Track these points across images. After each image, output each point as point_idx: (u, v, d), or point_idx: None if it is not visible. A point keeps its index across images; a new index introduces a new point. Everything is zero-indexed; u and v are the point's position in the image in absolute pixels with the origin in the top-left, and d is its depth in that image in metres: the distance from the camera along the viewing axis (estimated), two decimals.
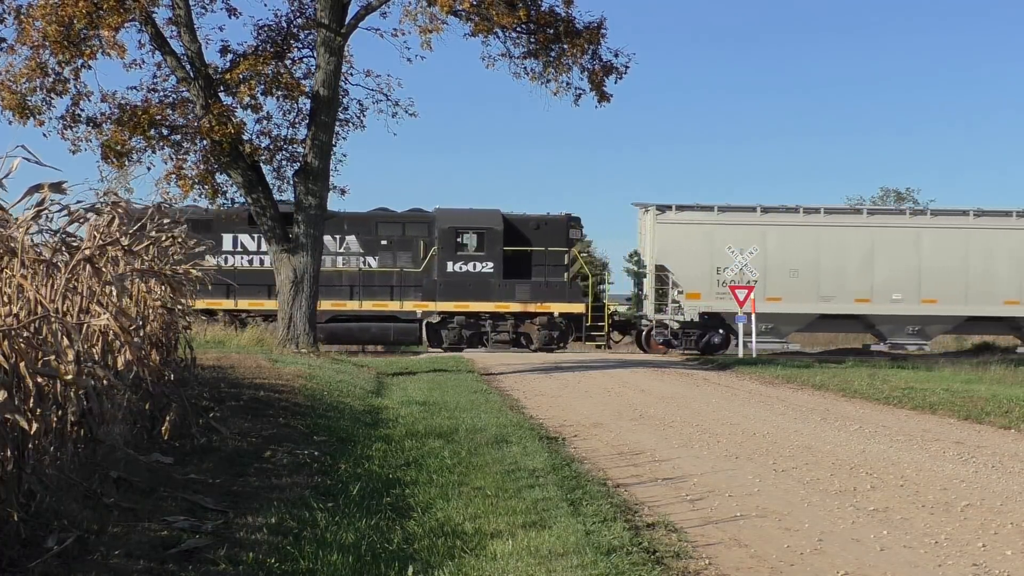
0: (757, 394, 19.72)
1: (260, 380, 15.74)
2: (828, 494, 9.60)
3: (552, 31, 23.30)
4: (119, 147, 22.47)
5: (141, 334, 9.29)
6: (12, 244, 6.85)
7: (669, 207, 35.66)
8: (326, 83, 24.05)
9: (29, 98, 21.77)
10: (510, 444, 11.69)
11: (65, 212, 7.86)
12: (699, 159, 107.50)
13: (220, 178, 24.06)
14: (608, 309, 36.19)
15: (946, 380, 21.81)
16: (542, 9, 23.32)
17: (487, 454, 11.00)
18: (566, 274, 35.04)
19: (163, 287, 10.63)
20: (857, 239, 35.60)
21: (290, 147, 25.04)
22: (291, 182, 24.88)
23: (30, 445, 6.36)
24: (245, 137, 23.53)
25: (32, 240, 7.46)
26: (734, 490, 9.72)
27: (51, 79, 21.85)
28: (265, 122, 24.65)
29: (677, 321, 35.49)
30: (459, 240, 34.27)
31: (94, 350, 7.98)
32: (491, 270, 34.05)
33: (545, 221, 35.19)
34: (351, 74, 25.73)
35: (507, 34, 23.58)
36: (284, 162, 25.12)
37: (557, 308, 34.79)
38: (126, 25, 21.95)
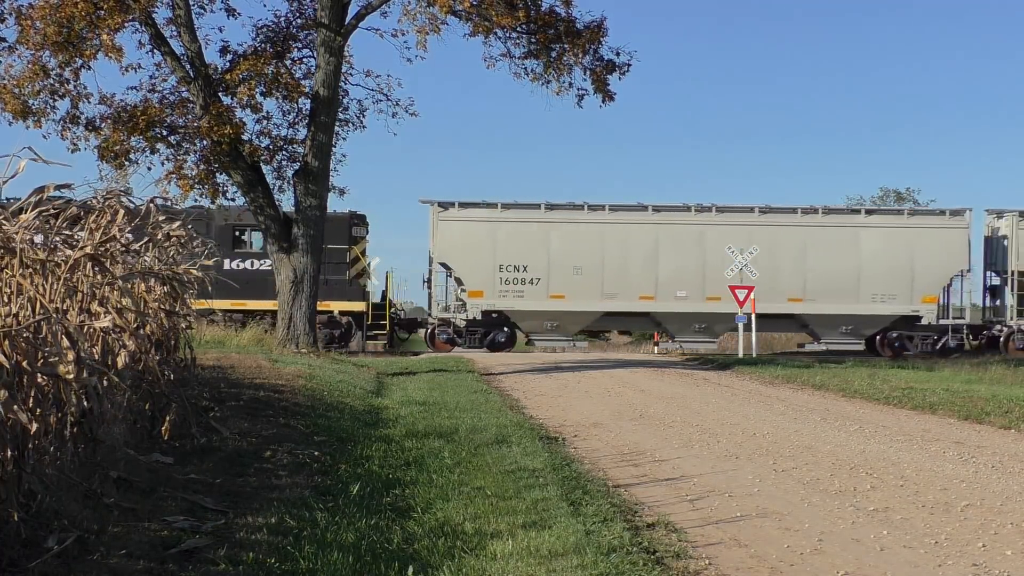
0: (757, 394, 19.72)
1: (260, 380, 15.74)
2: (828, 494, 9.60)
3: (552, 31, 23.29)
4: (117, 147, 22.47)
5: (141, 334, 9.29)
6: (11, 244, 6.85)
7: (452, 204, 35.66)
8: (326, 83, 24.04)
9: (31, 101, 21.79)
10: (510, 444, 11.68)
11: (64, 210, 7.85)
12: (696, 159, 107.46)
13: (220, 178, 24.06)
14: (390, 308, 36.25)
15: (946, 380, 21.82)
16: (542, 9, 23.30)
17: (487, 454, 11.00)
18: (348, 272, 34.91)
19: (163, 287, 10.62)
20: (641, 235, 35.67)
21: (290, 147, 25.05)
22: (291, 182, 24.89)
23: (30, 445, 6.36)
24: (245, 137, 23.53)
25: (32, 240, 7.45)
26: (734, 490, 9.71)
27: (52, 80, 21.87)
28: (265, 122, 24.67)
29: (462, 319, 35.68)
30: (238, 236, 34.07)
31: (94, 350, 7.97)
32: (270, 267, 33.71)
33: (327, 219, 35.27)
34: (351, 74, 25.76)
35: (507, 34, 23.58)
36: (284, 162, 25.13)
37: (337, 306, 34.66)
38: (126, 25, 21.95)
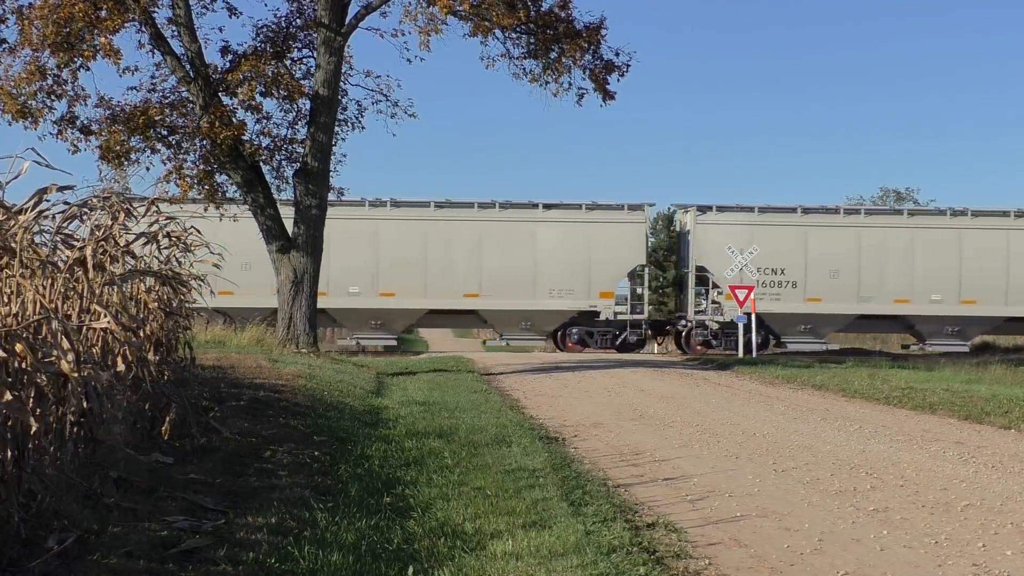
0: (757, 394, 19.72)
1: (260, 380, 15.73)
2: (828, 494, 9.60)
3: (552, 32, 23.29)
4: (118, 147, 22.47)
5: (141, 334, 9.28)
6: (12, 244, 6.85)
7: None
8: (326, 83, 24.04)
9: (30, 102, 21.79)
10: (510, 444, 11.68)
11: (63, 210, 7.86)
12: (693, 159, 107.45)
13: (220, 178, 24.07)
14: None
15: (946, 380, 21.82)
16: (542, 10, 23.31)
17: (487, 454, 11.00)
18: None
19: (163, 287, 10.62)
20: (467, 234, 36.19)
21: (290, 147, 25.05)
22: (291, 182, 24.88)
23: (30, 445, 6.36)
24: (245, 137, 23.53)
25: (33, 240, 7.45)
26: (734, 490, 9.71)
27: (50, 81, 21.87)
28: (265, 122, 24.67)
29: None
30: None
31: (94, 350, 7.97)
32: None
33: None
34: (351, 74, 25.78)
35: (507, 35, 23.57)
36: (284, 162, 25.14)
37: None
38: (126, 25, 21.95)
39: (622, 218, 36.75)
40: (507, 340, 37.14)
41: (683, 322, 37.65)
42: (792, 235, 36.80)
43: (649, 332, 38.31)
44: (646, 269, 37.43)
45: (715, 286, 36.85)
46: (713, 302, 37.05)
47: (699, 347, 36.67)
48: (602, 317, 36.62)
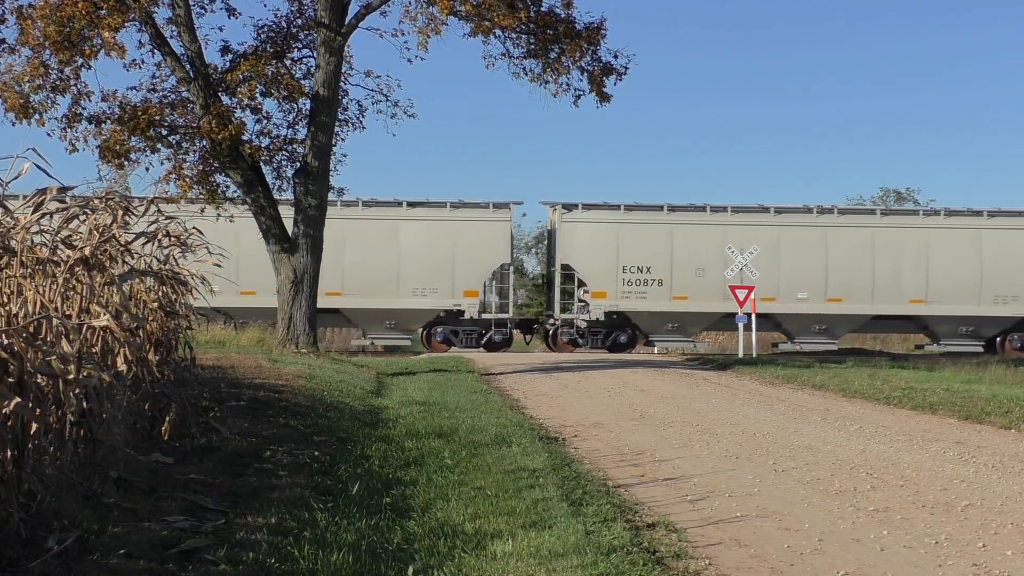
0: (757, 394, 19.72)
1: (260, 380, 15.74)
2: (828, 494, 9.60)
3: (552, 32, 23.29)
4: (118, 147, 22.47)
5: (141, 334, 9.28)
6: (11, 243, 6.85)
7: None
8: (326, 83, 24.05)
9: (32, 97, 21.80)
10: (510, 444, 11.68)
11: (63, 209, 7.86)
12: (693, 159, 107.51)
13: (219, 178, 24.07)
14: None
15: (946, 380, 21.82)
16: (542, 10, 23.31)
17: (487, 454, 11.00)
18: None
19: (163, 286, 10.62)
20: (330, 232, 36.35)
21: (290, 147, 25.05)
22: (291, 182, 24.89)
23: (30, 445, 6.36)
24: (245, 137, 23.53)
25: (32, 240, 7.46)
26: (734, 490, 9.71)
27: (53, 77, 21.88)
28: (265, 122, 24.67)
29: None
30: None
31: (94, 350, 7.97)
32: None
33: None
34: (351, 74, 25.78)
35: (507, 35, 23.57)
36: (284, 162, 25.14)
37: None
38: (126, 25, 21.96)
39: (487, 216, 36.69)
40: (372, 339, 36.92)
41: (551, 320, 37.53)
42: (658, 233, 36.62)
43: (515, 331, 38.23)
44: (511, 268, 37.41)
45: (581, 284, 36.75)
46: (580, 300, 36.95)
47: (567, 346, 36.59)
48: (467, 316, 36.51)
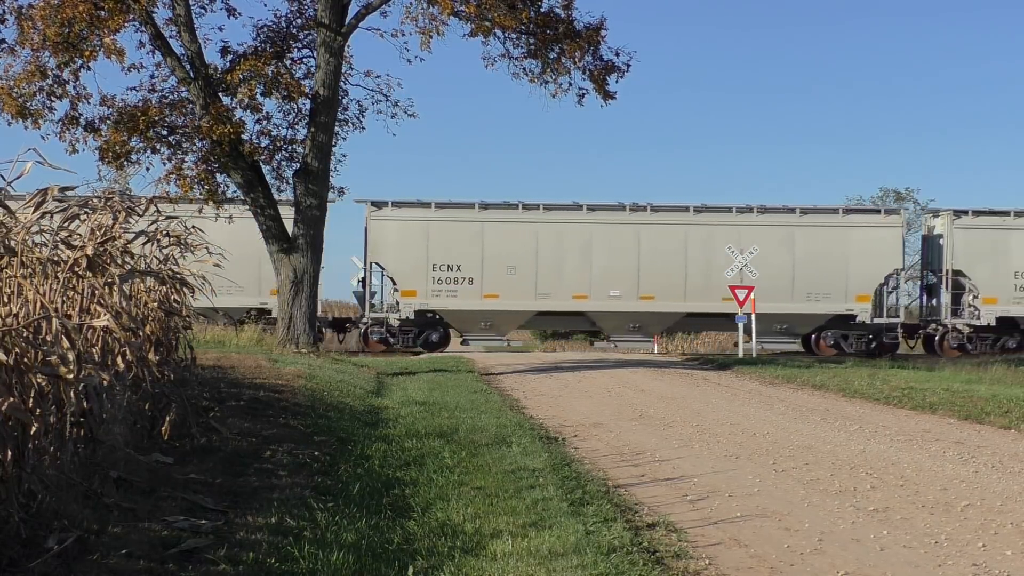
0: (757, 394, 19.72)
1: (260, 380, 15.74)
2: (828, 494, 9.60)
3: (552, 32, 23.29)
4: (118, 148, 22.47)
5: (141, 334, 9.28)
6: (12, 243, 6.85)
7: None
8: (326, 83, 24.04)
9: (29, 102, 21.79)
10: (510, 444, 11.68)
11: (63, 208, 7.86)
12: (691, 160, 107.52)
13: (219, 178, 24.04)
14: None
15: (946, 380, 21.81)
16: (542, 10, 23.30)
17: (487, 454, 11.00)
18: None
19: (163, 286, 10.62)
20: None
21: (290, 147, 25.03)
22: (291, 182, 24.88)
23: (30, 445, 6.36)
24: (245, 137, 23.51)
25: (33, 240, 7.46)
26: (734, 490, 9.71)
27: (50, 81, 21.87)
28: (265, 122, 24.64)
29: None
30: None
31: (94, 350, 7.97)
32: None
33: None
34: (351, 74, 25.76)
35: (507, 35, 23.56)
36: (284, 162, 25.12)
37: None
38: (125, 25, 21.95)
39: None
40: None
41: (363, 320, 37.35)
42: (468, 231, 36.30)
43: (327, 331, 37.85)
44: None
45: (393, 282, 36.63)
46: (392, 298, 36.82)
47: (378, 345, 36.43)
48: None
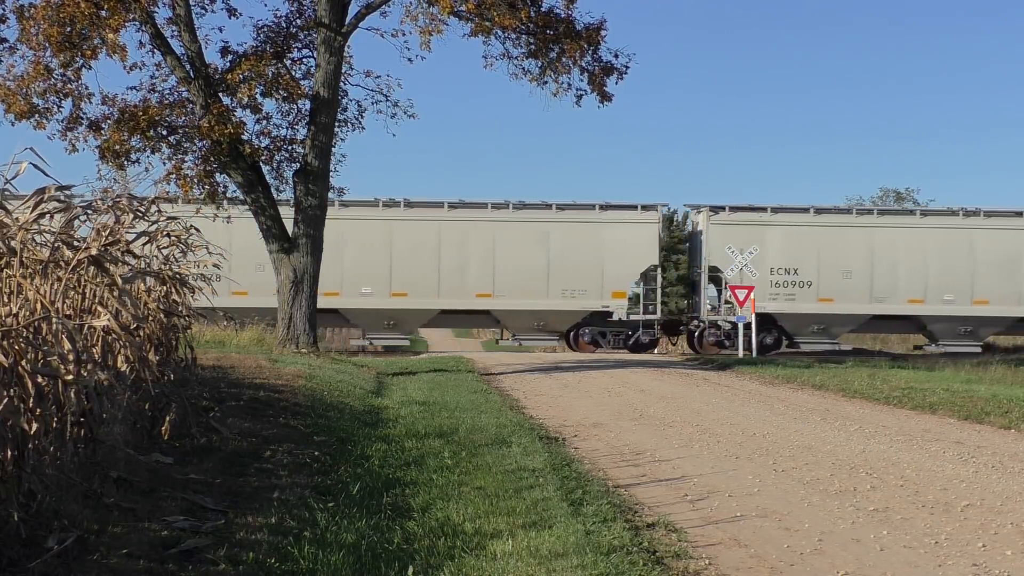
0: (757, 394, 19.71)
1: (260, 380, 15.73)
2: (828, 494, 9.60)
3: (552, 32, 23.28)
4: (118, 147, 22.47)
5: (141, 334, 9.28)
6: (12, 243, 6.85)
7: None
8: (326, 83, 24.03)
9: (37, 100, 21.81)
10: (510, 444, 11.68)
11: (63, 209, 7.86)
12: (692, 159, 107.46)
13: (219, 178, 24.04)
14: None
15: (946, 380, 21.80)
16: (542, 10, 23.29)
17: (487, 454, 11.00)
18: None
19: (163, 287, 10.62)
20: None
21: (290, 147, 25.03)
22: (291, 182, 24.88)
23: (30, 445, 6.36)
24: (245, 137, 23.51)
25: (34, 240, 7.46)
26: (734, 490, 9.71)
27: (55, 81, 21.88)
28: (265, 122, 24.64)
29: None
30: None
31: (94, 350, 7.97)
32: None
33: None
34: (351, 74, 25.75)
35: (507, 35, 23.55)
36: (284, 162, 25.10)
37: None
38: (126, 25, 21.95)
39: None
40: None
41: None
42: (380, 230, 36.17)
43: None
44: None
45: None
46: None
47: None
48: None
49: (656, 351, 37.72)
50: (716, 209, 37.44)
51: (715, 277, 37.33)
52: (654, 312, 37.30)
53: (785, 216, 37.34)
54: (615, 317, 36.84)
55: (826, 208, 37.87)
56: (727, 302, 36.91)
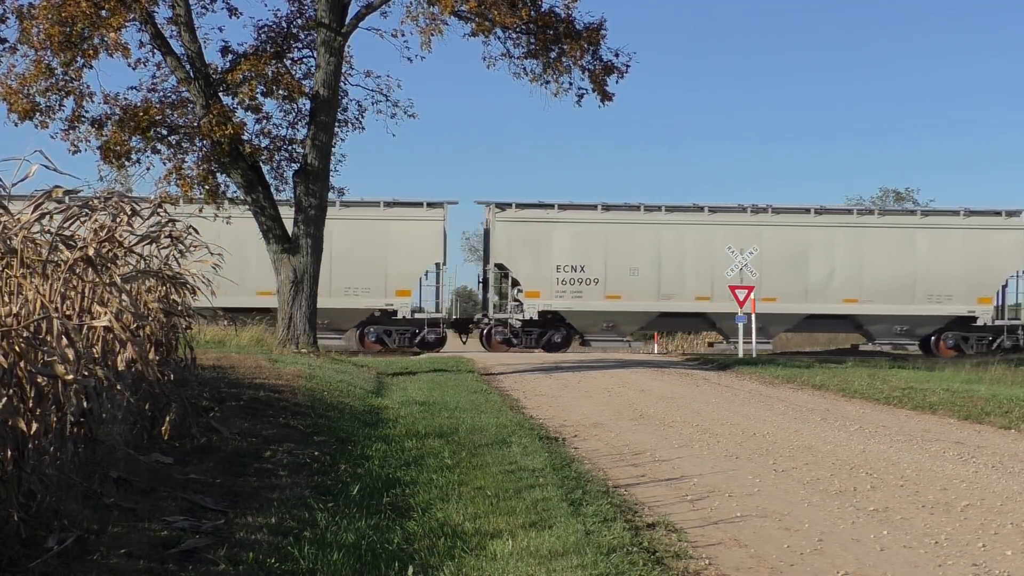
0: (757, 394, 19.71)
1: (260, 380, 15.73)
2: (828, 494, 9.60)
3: (552, 32, 23.29)
4: (119, 147, 22.47)
5: (141, 334, 9.27)
6: (12, 243, 6.85)
7: None
8: (326, 83, 24.04)
9: (39, 100, 21.82)
10: (510, 444, 11.68)
11: (63, 209, 7.86)
12: (694, 162, 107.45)
13: (220, 178, 24.04)
14: None
15: (946, 380, 21.80)
16: (542, 10, 23.31)
17: (487, 454, 11.00)
18: None
19: (163, 287, 10.61)
20: None
21: (290, 147, 25.04)
22: (291, 182, 24.88)
23: (30, 445, 6.35)
24: (245, 137, 23.51)
25: (34, 240, 7.45)
26: (734, 490, 9.71)
27: (58, 80, 21.89)
28: (265, 122, 24.65)
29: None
30: None
31: (94, 350, 7.97)
32: None
33: None
34: (351, 74, 25.77)
35: (507, 34, 23.56)
36: (284, 162, 25.12)
37: None
38: (126, 25, 21.96)
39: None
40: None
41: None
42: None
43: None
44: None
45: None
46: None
47: None
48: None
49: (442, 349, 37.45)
50: (503, 206, 37.23)
51: (502, 275, 37.28)
52: (439, 311, 37.33)
53: (572, 213, 37.11)
54: (400, 316, 36.73)
55: (614, 205, 37.51)
56: (515, 300, 36.92)
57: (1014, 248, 36.93)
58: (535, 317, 36.68)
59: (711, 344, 40.28)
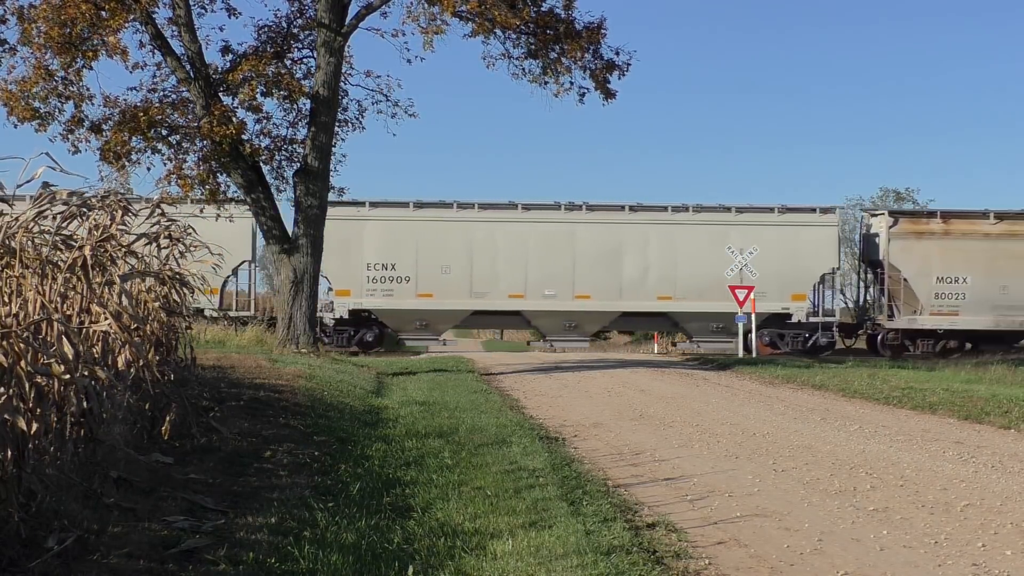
0: (757, 394, 19.71)
1: (260, 380, 15.73)
2: (828, 494, 9.60)
3: (552, 32, 23.28)
4: (119, 148, 22.47)
5: (141, 334, 9.27)
6: (12, 243, 6.85)
7: None
8: (326, 83, 24.04)
9: (39, 105, 21.82)
10: (510, 444, 11.68)
11: (62, 210, 7.87)
12: (695, 162, 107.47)
13: (220, 178, 24.04)
14: None
15: (946, 380, 21.81)
16: (542, 10, 23.30)
17: (487, 454, 11.00)
18: None
19: (163, 287, 10.61)
20: None
21: (290, 147, 25.04)
22: (291, 182, 24.88)
23: (30, 445, 6.36)
24: (245, 137, 23.51)
25: (34, 240, 7.46)
26: (734, 490, 9.71)
27: (57, 83, 21.89)
28: (265, 122, 24.64)
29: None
30: None
31: (94, 350, 7.97)
32: None
33: None
34: (351, 75, 25.76)
35: (507, 34, 23.56)
36: (284, 162, 25.12)
37: None
38: (126, 25, 21.96)
39: None
40: None
41: None
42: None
43: None
44: None
45: None
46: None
47: None
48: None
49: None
50: None
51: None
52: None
53: (383, 211, 36.77)
54: (206, 314, 36.49)
55: (426, 203, 37.16)
56: (326, 299, 36.75)
57: (828, 245, 36.57)
58: (345, 316, 36.32)
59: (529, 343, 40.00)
